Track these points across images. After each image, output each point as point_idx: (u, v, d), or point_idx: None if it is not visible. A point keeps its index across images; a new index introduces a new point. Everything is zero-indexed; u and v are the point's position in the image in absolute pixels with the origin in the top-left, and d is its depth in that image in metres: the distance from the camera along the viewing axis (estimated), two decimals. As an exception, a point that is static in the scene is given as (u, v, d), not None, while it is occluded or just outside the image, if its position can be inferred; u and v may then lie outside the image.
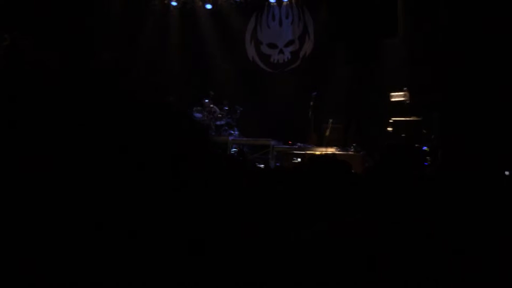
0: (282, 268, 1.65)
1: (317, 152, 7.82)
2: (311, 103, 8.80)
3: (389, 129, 7.82)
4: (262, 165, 7.45)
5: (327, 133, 8.54)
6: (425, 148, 6.96)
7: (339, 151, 8.10)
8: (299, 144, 8.87)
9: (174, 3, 11.26)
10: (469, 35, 7.17)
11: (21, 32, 7.90)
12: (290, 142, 9.07)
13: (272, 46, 10.81)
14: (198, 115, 10.34)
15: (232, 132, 9.91)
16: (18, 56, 7.70)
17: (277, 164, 8.37)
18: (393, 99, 7.84)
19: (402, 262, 1.73)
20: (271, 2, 10.70)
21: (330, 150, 8.11)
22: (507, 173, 4.01)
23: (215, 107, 10.21)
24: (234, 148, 9.03)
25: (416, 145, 6.65)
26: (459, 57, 7.30)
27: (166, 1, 11.36)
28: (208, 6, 11.10)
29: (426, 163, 6.12)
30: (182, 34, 11.32)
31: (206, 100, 10.24)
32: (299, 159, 7.87)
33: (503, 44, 6.91)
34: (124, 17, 10.86)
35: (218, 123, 10.12)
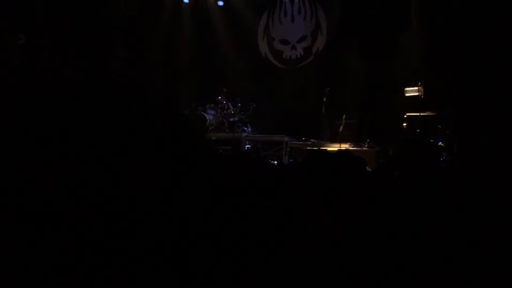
0: (289, 260, 1.68)
1: (330, 148, 7.80)
2: (324, 99, 8.77)
3: (404, 124, 7.76)
4: (275, 162, 7.46)
5: (341, 129, 8.50)
6: (440, 143, 6.89)
7: (353, 147, 8.07)
8: (312, 140, 8.86)
9: (186, 0, 11.31)
10: (483, 29, 7.09)
11: (37, 30, 8.01)
12: (303, 139, 9.07)
13: (284, 42, 10.79)
14: (211, 112, 10.40)
15: (246, 128, 9.93)
16: (34, 55, 7.82)
17: (291, 160, 8.37)
18: (407, 94, 7.78)
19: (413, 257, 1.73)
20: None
21: (344, 146, 8.08)
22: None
23: (228, 103, 10.24)
24: (248, 145, 9.05)
25: (432, 140, 6.59)
26: (474, 52, 7.22)
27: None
28: (220, 3, 11.13)
29: (441, 159, 6.06)
30: (195, 31, 11.38)
31: (219, 97, 10.28)
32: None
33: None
34: (139, 15, 10.95)
35: (231, 119, 10.15)
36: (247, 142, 9.50)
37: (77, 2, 8.58)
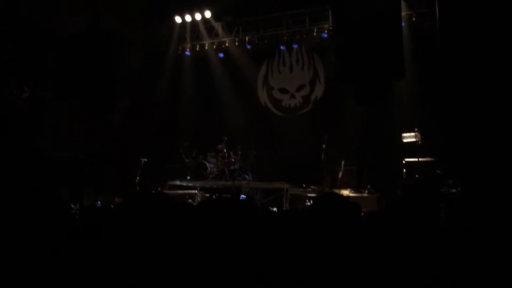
0: None
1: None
2: (324, 146, 8.84)
3: (404, 170, 7.78)
4: (275, 209, 7.42)
5: (340, 175, 8.52)
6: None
7: (353, 193, 8.05)
8: (313, 187, 8.85)
9: (187, 53, 11.67)
10: (477, 72, 7.25)
11: (41, 83, 8.23)
12: (304, 185, 9.06)
13: (283, 91, 11.03)
14: (212, 160, 10.46)
15: (246, 176, 9.95)
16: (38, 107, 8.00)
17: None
18: (405, 140, 7.85)
19: None
20: (281, 49, 11.01)
21: (344, 192, 8.07)
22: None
23: (228, 152, 10.32)
24: (243, 196, 8.97)
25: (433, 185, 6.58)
26: (461, 97, 7.35)
27: (180, 52, 11.79)
28: (221, 55, 11.48)
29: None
30: (196, 82, 11.67)
31: (220, 145, 10.37)
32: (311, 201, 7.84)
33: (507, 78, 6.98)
34: (142, 67, 11.29)
35: (232, 167, 10.18)
36: (247, 190, 9.50)
37: (81, 54, 8.85)
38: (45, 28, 8.12)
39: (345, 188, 8.22)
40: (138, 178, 9.42)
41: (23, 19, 7.95)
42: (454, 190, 5.86)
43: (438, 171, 7.30)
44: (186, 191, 9.72)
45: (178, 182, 10.21)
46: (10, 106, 7.66)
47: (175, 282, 1.86)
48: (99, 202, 6.36)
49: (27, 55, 7.93)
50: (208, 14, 11.20)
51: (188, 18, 11.36)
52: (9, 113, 7.58)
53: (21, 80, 7.91)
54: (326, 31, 10.08)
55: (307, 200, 8.25)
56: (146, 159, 9.61)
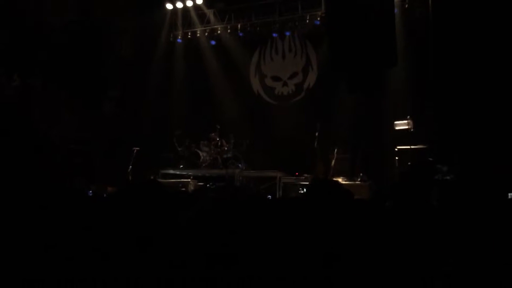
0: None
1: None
2: (316, 134, 8.83)
3: (396, 158, 7.79)
4: (269, 196, 7.42)
5: (333, 163, 8.54)
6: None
7: (346, 180, 8.07)
8: (306, 175, 8.85)
9: (179, 40, 11.56)
10: (470, 59, 7.27)
11: (31, 72, 8.13)
12: (297, 174, 9.06)
13: (276, 78, 10.98)
14: (205, 148, 10.44)
15: (239, 165, 9.94)
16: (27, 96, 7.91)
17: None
18: (397, 128, 7.86)
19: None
20: (274, 36, 10.93)
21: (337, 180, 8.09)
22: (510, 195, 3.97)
23: (221, 140, 10.29)
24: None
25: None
26: (454, 84, 7.38)
27: (171, 39, 11.67)
28: (213, 42, 11.37)
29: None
30: (188, 70, 11.57)
31: (213, 134, 10.34)
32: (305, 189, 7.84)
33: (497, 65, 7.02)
34: (134, 55, 11.18)
35: (225, 156, 10.17)
36: (240, 178, 9.49)
37: (72, 43, 8.75)
38: (36, 17, 7.99)
39: (337, 176, 8.23)
40: (130, 167, 9.38)
41: (13, 8, 7.81)
42: (448, 177, 5.89)
43: (431, 159, 7.34)
44: (179, 180, 9.70)
45: (171, 171, 10.18)
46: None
47: (171, 272, 1.85)
48: (90, 191, 6.32)
49: (17, 43, 7.80)
50: (199, 0, 11.08)
51: (179, 4, 11.23)
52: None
53: (11, 68, 7.81)
54: (318, 18, 10.01)
55: (300, 188, 8.26)
56: (138, 148, 9.56)
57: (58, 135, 8.33)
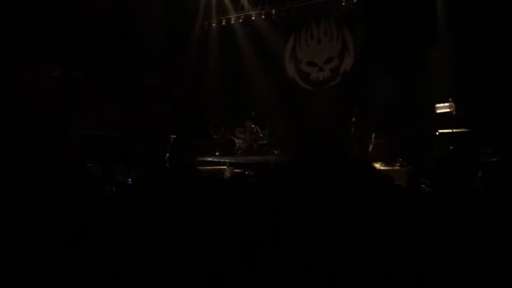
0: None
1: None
2: (353, 119, 8.66)
3: (437, 142, 7.55)
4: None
5: (370, 148, 8.36)
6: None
7: (384, 166, 7.88)
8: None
9: (214, 28, 11.56)
10: (504, 42, 6.90)
11: (71, 63, 8.33)
12: (333, 159, 8.92)
13: (311, 64, 10.81)
14: (240, 135, 10.45)
15: (275, 151, 9.90)
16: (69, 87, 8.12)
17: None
18: (438, 111, 7.58)
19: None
20: (309, 21, 10.75)
21: (375, 166, 7.91)
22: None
23: (256, 127, 10.27)
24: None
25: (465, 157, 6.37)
26: (505, 65, 7.02)
27: (206, 27, 11.69)
28: (248, 28, 11.30)
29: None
30: (223, 57, 11.57)
31: (248, 121, 10.33)
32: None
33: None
34: (169, 43, 11.28)
35: (260, 143, 10.15)
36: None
37: (107, 32, 8.89)
38: (71, 8, 8.15)
39: (375, 161, 8.05)
40: (167, 154, 9.52)
41: (50, 1, 8.00)
42: (494, 159, 5.63)
43: (474, 141, 7.06)
44: (215, 167, 9.76)
45: (207, 158, 10.27)
46: (41, 86, 7.80)
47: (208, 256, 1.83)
48: (130, 180, 6.44)
49: (55, 35, 7.99)
50: (233, -13, 11.03)
51: (213, -8, 11.23)
52: (40, 93, 7.73)
53: (51, 60, 8.02)
54: (355, 0, 9.76)
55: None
56: (175, 136, 9.68)
57: (98, 124, 8.53)
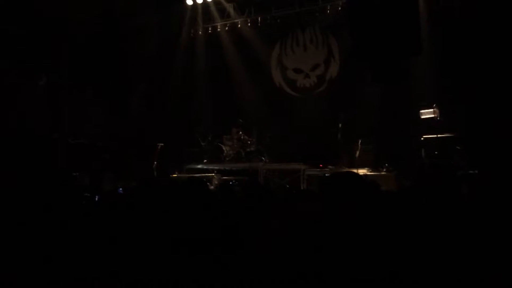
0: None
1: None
2: (340, 125, 8.76)
3: (421, 147, 7.67)
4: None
5: (357, 154, 8.46)
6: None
7: (371, 171, 7.98)
8: (330, 166, 8.80)
9: (200, 33, 11.62)
10: (496, 46, 7.07)
11: (59, 71, 8.29)
12: (321, 166, 9.01)
13: (298, 71, 10.92)
14: (228, 143, 10.48)
15: (263, 158, 9.94)
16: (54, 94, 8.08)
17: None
18: (423, 117, 7.72)
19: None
20: (295, 29, 10.87)
21: (362, 171, 8.00)
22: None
23: (244, 134, 10.31)
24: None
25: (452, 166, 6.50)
26: (487, 70, 7.18)
27: (192, 35, 11.74)
28: (233, 35, 11.37)
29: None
30: (209, 64, 11.61)
31: (235, 128, 10.36)
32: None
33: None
34: (155, 50, 11.29)
35: (248, 150, 10.19)
36: (264, 171, 9.50)
37: (94, 40, 8.87)
38: (59, 15, 8.13)
39: (362, 167, 8.15)
40: (155, 162, 9.49)
41: (37, 8, 7.96)
42: (471, 171, 5.74)
43: (458, 147, 7.19)
44: (203, 175, 9.77)
45: (195, 166, 10.26)
46: (27, 94, 7.75)
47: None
48: (120, 189, 6.41)
49: (42, 43, 7.96)
50: (219, -5, 11.09)
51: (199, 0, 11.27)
52: (26, 101, 7.68)
53: (37, 68, 7.97)
54: (339, 8, 9.90)
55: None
56: (162, 144, 9.67)
57: (86, 132, 8.48)
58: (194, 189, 2.34)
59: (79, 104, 8.88)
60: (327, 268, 1.72)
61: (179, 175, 9.58)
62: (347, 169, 8.28)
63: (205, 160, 10.43)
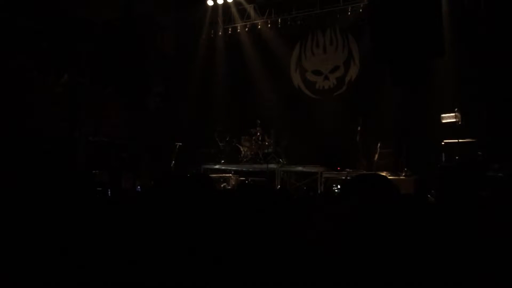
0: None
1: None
2: (359, 128, 8.68)
3: (443, 152, 7.53)
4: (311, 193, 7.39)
5: (376, 157, 8.36)
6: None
7: (389, 175, 7.88)
8: (348, 169, 8.73)
9: (220, 34, 11.67)
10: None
11: (80, 70, 8.42)
12: (339, 168, 8.94)
13: (317, 73, 10.86)
14: (246, 144, 10.49)
15: (280, 160, 9.92)
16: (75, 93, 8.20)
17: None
18: (444, 121, 7.58)
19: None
20: (315, 30, 10.82)
21: (380, 175, 7.91)
22: None
23: (262, 135, 10.30)
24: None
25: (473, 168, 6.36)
26: (505, 74, 7.02)
27: (212, 35, 11.79)
28: (253, 36, 11.38)
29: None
30: (229, 65, 11.64)
31: (253, 129, 10.36)
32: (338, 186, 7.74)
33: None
34: (175, 51, 11.38)
35: (265, 151, 10.18)
36: (281, 173, 9.48)
37: (116, 40, 8.98)
38: (80, 15, 8.25)
39: (381, 171, 8.05)
40: (173, 162, 9.55)
41: (58, 7, 8.10)
42: (500, 174, 5.60)
43: (480, 153, 7.04)
44: (220, 175, 9.80)
45: (212, 166, 10.30)
46: (48, 92, 7.89)
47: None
48: (139, 187, 6.48)
49: (64, 42, 8.09)
50: (239, -4, 11.12)
51: (220, 1, 11.32)
52: (47, 99, 7.82)
53: (59, 66, 8.11)
54: (360, 9, 9.83)
55: (333, 185, 8.12)
56: (180, 143, 9.73)
57: (105, 131, 8.59)
58: (199, 186, 2.32)
59: (99, 103, 8.99)
60: (354, 271, 1.69)
61: (196, 175, 9.63)
62: (365, 172, 8.20)
63: (222, 161, 10.46)
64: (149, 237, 1.91)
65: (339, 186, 7.57)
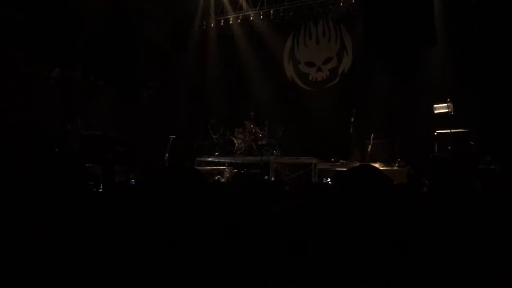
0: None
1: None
2: (352, 119, 8.70)
3: (435, 142, 7.58)
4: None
5: (369, 148, 8.40)
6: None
7: (383, 166, 7.93)
8: (342, 161, 8.76)
9: (212, 26, 11.61)
10: (502, 41, 6.94)
11: (70, 63, 8.34)
12: (332, 160, 8.98)
13: (310, 64, 10.85)
14: (239, 136, 10.48)
15: (274, 151, 9.93)
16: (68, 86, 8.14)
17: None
18: (436, 111, 7.62)
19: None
20: (307, 21, 10.80)
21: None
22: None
23: (256, 127, 10.30)
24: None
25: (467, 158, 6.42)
26: (497, 64, 7.06)
27: (204, 27, 11.72)
28: (245, 28, 11.33)
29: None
30: (221, 57, 11.59)
31: (247, 121, 10.35)
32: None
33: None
34: (168, 45, 11.31)
35: (259, 143, 10.18)
36: (275, 165, 9.50)
37: (108, 34, 8.91)
38: (72, 8, 8.17)
39: (374, 161, 8.09)
40: (167, 155, 9.54)
41: (50, 0, 8.01)
42: (492, 166, 5.65)
43: (472, 143, 7.10)
44: (214, 167, 9.80)
45: (206, 159, 10.30)
46: (41, 85, 7.83)
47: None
48: (133, 181, 6.45)
49: (56, 35, 8.01)
50: (231, -13, 11.06)
51: (212, -8, 11.26)
52: (40, 92, 7.76)
53: (51, 60, 8.03)
54: (353, 0, 9.81)
55: (323, 179, 8.14)
56: (174, 136, 9.70)
57: (99, 124, 8.54)
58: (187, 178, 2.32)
59: (92, 96, 8.94)
60: (342, 261, 1.70)
61: (190, 167, 9.62)
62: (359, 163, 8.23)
63: (216, 153, 10.46)
64: (140, 231, 1.91)
65: (329, 179, 7.58)
